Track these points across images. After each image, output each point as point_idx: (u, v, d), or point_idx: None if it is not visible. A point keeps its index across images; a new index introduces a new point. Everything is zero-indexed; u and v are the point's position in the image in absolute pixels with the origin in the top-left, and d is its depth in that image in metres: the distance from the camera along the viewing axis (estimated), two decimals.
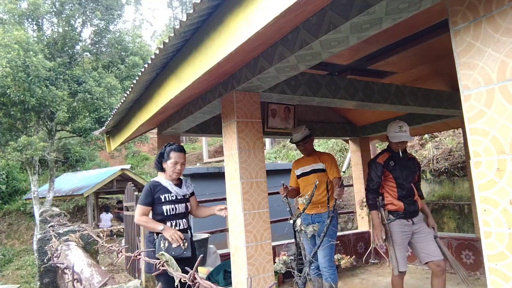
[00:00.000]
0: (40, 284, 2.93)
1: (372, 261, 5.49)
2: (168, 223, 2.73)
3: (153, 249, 2.64)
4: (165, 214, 2.72)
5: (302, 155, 3.83)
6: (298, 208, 3.81)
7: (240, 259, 2.62)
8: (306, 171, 3.69)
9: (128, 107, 3.82)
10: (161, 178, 2.85)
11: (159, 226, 2.64)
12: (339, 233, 5.49)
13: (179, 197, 2.84)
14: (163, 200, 2.74)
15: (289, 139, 3.87)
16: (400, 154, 3.27)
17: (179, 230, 2.73)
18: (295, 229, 3.02)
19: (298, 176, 3.78)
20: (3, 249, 12.56)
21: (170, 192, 2.79)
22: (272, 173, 8.41)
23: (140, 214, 2.72)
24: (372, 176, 3.28)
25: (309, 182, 3.60)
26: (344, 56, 3.31)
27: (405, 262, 3.21)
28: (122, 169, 13.16)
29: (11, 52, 9.09)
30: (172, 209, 2.75)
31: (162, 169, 2.88)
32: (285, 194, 3.32)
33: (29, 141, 10.00)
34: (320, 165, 3.60)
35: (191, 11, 1.81)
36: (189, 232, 2.88)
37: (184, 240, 2.65)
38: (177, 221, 2.78)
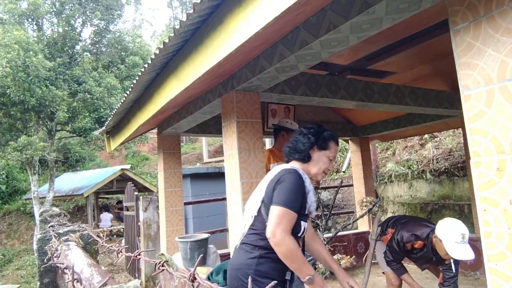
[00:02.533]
0: (40, 284, 2.93)
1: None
2: None
3: None
4: (300, 234, 1.64)
5: None
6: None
7: None
8: None
9: (128, 107, 3.82)
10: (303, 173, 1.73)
11: (310, 271, 1.55)
12: (339, 233, 5.49)
13: None
14: (306, 211, 1.67)
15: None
16: (433, 256, 2.64)
17: None
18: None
19: None
20: (3, 249, 12.56)
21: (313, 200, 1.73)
22: None
23: (287, 230, 1.51)
24: (393, 252, 2.87)
25: None
26: (344, 56, 3.31)
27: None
28: (122, 169, 13.15)
29: (11, 52, 9.09)
30: (305, 229, 1.67)
31: (306, 159, 1.76)
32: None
33: (29, 141, 9.99)
34: None
35: (191, 11, 1.81)
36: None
37: None
38: None
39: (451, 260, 2.64)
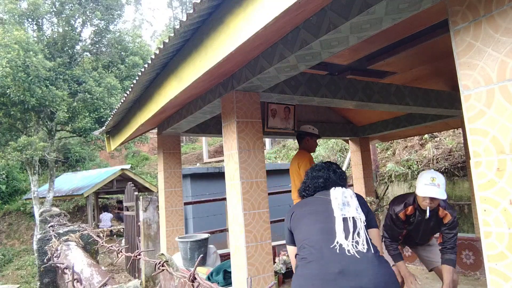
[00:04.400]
0: (40, 284, 2.93)
1: None
2: None
3: None
4: None
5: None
6: None
7: (240, 259, 2.62)
8: None
9: (128, 107, 3.82)
10: None
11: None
12: None
13: None
14: None
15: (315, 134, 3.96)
16: (427, 213, 2.63)
17: None
18: None
19: None
20: (3, 249, 12.55)
21: None
22: (272, 173, 8.42)
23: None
24: (389, 230, 2.89)
25: None
26: (344, 56, 3.31)
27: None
28: (122, 169, 13.15)
29: (11, 52, 9.09)
30: None
31: None
32: None
33: (29, 141, 9.99)
34: None
35: (191, 11, 1.81)
36: None
37: None
38: None
39: (444, 213, 2.70)
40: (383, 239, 2.95)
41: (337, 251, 1.55)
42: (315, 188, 1.96)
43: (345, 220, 1.68)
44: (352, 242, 1.58)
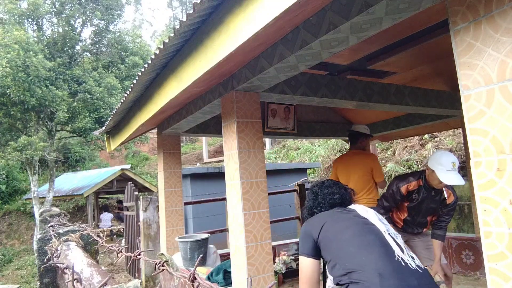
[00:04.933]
0: (40, 284, 2.93)
1: None
2: None
3: None
4: None
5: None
6: None
7: (240, 259, 2.62)
8: None
9: (128, 107, 3.82)
10: None
11: None
12: None
13: None
14: None
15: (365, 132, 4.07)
16: (433, 192, 2.76)
17: None
18: None
19: None
20: (3, 249, 12.56)
21: None
22: (272, 173, 8.42)
23: None
24: (388, 200, 2.97)
25: None
26: (344, 56, 3.31)
27: None
28: (122, 169, 13.15)
29: (11, 52, 9.09)
30: None
31: None
32: None
33: (29, 141, 9.99)
34: None
35: (191, 11, 1.81)
36: None
37: None
38: None
39: (447, 193, 2.77)
40: (377, 207, 3.07)
41: (403, 265, 1.47)
42: (331, 205, 1.90)
43: (389, 235, 1.62)
44: (409, 256, 1.53)
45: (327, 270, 1.68)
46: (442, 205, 2.85)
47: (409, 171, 7.33)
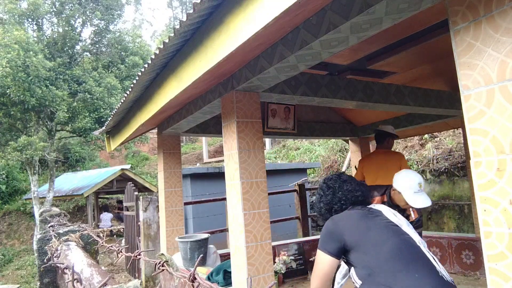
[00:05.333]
0: (40, 284, 2.93)
1: None
2: None
3: None
4: None
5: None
6: None
7: (240, 259, 2.62)
8: None
9: (128, 107, 3.82)
10: None
11: None
12: None
13: None
14: None
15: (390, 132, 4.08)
16: (397, 209, 2.72)
17: None
18: None
19: None
20: (3, 249, 12.55)
21: None
22: (272, 173, 8.42)
23: None
24: None
25: None
26: (344, 56, 3.31)
27: None
28: (122, 169, 13.15)
29: (11, 52, 9.09)
30: None
31: None
32: None
33: (29, 141, 9.99)
34: None
35: (191, 11, 1.81)
36: None
37: None
38: None
39: (412, 210, 2.76)
40: None
41: (445, 280, 1.43)
42: (353, 203, 1.81)
43: (423, 247, 1.57)
44: (441, 268, 1.50)
45: (354, 274, 1.62)
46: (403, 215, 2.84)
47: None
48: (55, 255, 2.60)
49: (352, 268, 1.63)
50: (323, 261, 1.66)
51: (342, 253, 1.64)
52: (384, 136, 4.10)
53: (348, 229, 1.65)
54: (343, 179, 1.90)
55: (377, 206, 1.81)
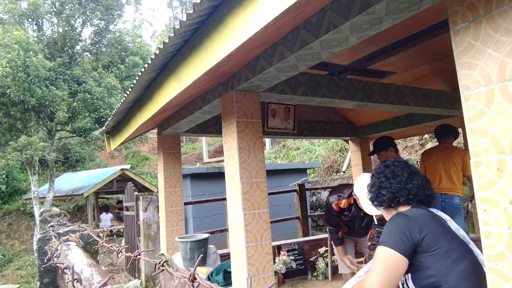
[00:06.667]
0: (40, 284, 2.93)
1: None
2: None
3: None
4: None
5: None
6: None
7: (240, 259, 2.62)
8: None
9: (128, 107, 3.82)
10: None
11: None
12: None
13: None
14: None
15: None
16: (362, 212, 2.80)
17: None
18: None
19: None
20: (3, 249, 12.55)
21: None
22: (272, 173, 8.42)
23: None
24: (329, 218, 3.12)
25: None
26: (344, 56, 3.31)
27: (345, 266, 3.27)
28: (122, 169, 13.16)
29: (11, 52, 9.09)
30: None
31: None
32: None
33: (29, 141, 10.00)
34: None
35: (191, 11, 1.81)
36: None
37: None
38: None
39: (379, 217, 2.67)
40: (327, 228, 3.22)
41: None
42: (419, 201, 1.65)
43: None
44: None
45: (409, 280, 1.50)
46: (373, 222, 2.82)
47: None
48: (55, 255, 2.60)
49: (409, 273, 1.48)
50: (395, 261, 1.43)
51: (411, 253, 1.46)
52: (448, 132, 4.10)
53: (425, 229, 1.48)
54: (413, 170, 1.69)
55: (439, 213, 1.64)
